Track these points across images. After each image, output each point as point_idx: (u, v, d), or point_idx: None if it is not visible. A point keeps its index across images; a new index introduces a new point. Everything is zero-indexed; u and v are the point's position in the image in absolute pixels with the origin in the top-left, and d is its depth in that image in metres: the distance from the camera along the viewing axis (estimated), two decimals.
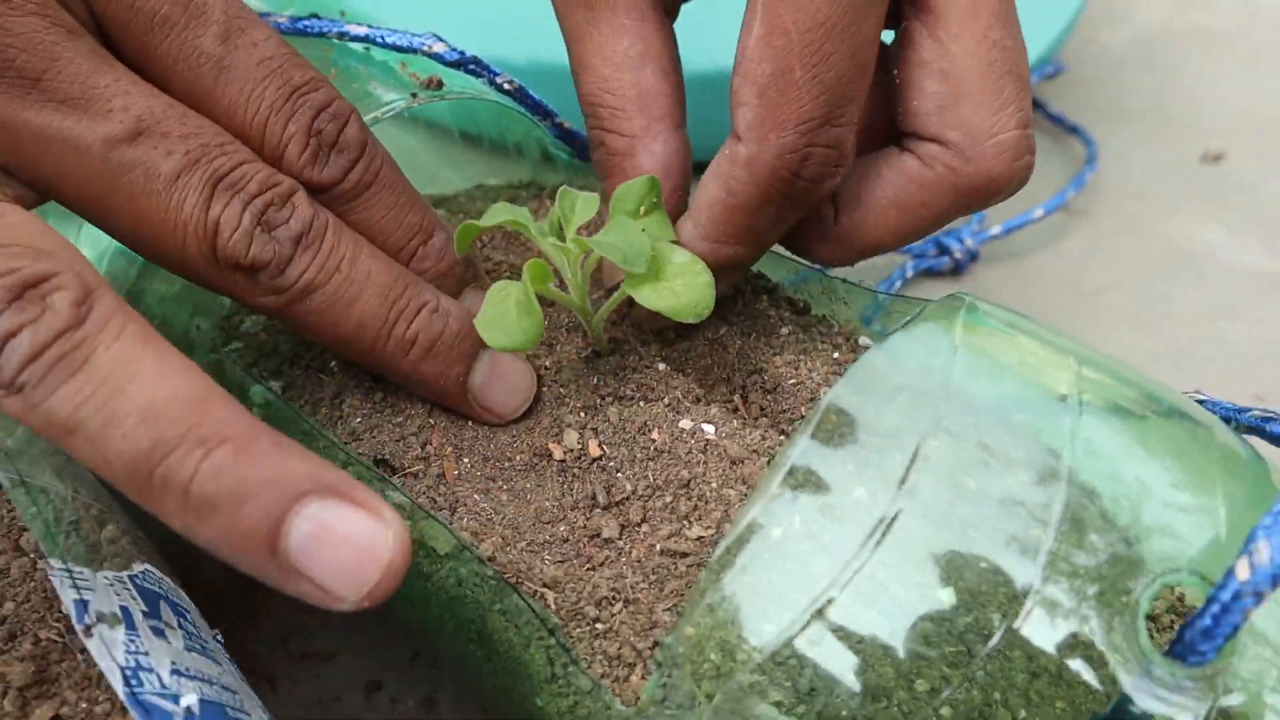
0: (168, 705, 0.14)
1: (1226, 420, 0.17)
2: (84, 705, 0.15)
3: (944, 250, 0.39)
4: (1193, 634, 0.13)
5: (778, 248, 0.24)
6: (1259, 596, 0.13)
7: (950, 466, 0.16)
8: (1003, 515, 0.16)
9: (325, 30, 0.25)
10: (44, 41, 0.18)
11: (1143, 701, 0.14)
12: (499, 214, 0.21)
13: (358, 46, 0.25)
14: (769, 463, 0.19)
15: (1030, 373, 0.17)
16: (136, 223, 0.18)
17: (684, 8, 0.25)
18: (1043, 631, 0.15)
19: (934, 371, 0.18)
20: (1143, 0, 0.65)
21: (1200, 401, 0.18)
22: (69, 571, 0.16)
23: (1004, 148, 0.21)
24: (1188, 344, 0.37)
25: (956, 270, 0.39)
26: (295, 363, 0.23)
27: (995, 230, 0.40)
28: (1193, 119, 0.52)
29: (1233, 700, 0.14)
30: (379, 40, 0.25)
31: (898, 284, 0.37)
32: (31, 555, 0.18)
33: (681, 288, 0.20)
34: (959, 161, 0.21)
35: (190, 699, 0.14)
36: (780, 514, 0.17)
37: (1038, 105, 0.50)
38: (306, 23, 0.25)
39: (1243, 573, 0.13)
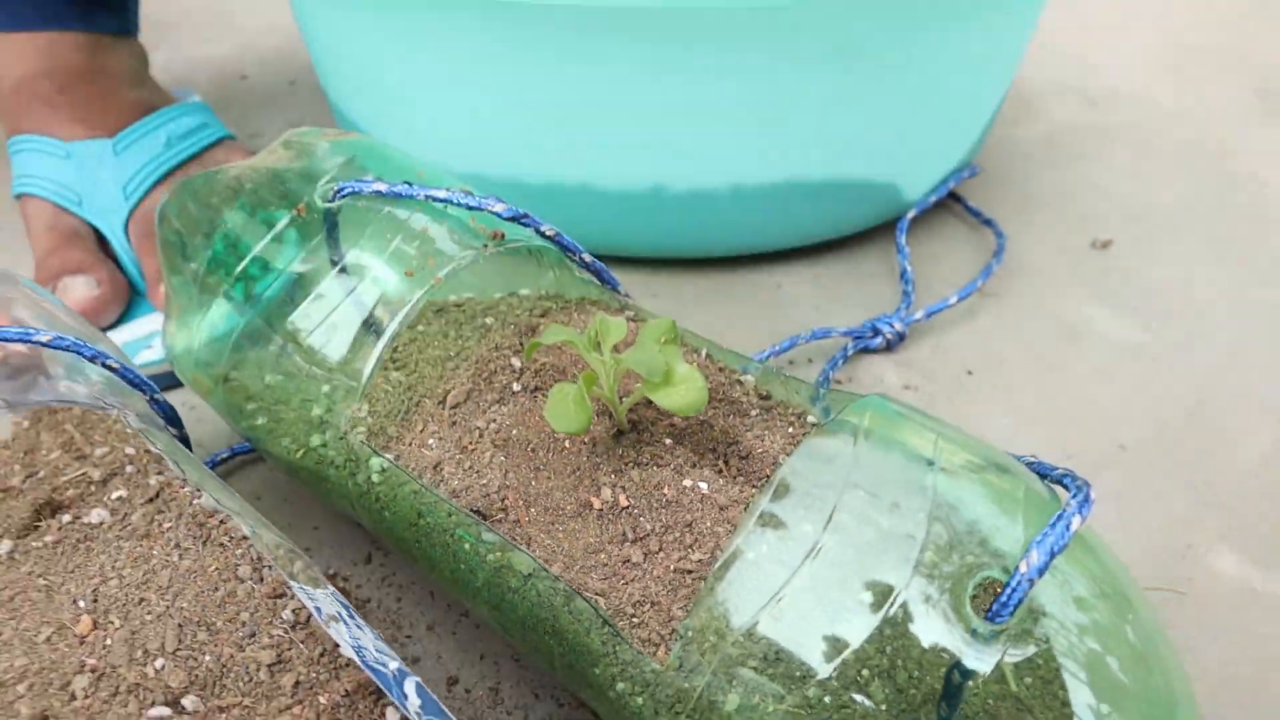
0: (384, 669, 0.23)
1: (1041, 475, 0.27)
2: (312, 674, 0.24)
3: (878, 332, 0.48)
4: (997, 604, 0.22)
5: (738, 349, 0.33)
6: (1032, 582, 0.22)
7: (859, 510, 0.25)
8: (890, 539, 0.25)
9: (415, 194, 0.34)
10: None
11: (967, 657, 0.23)
12: (558, 334, 0.30)
13: (439, 206, 0.34)
14: (745, 509, 0.29)
15: (909, 446, 0.27)
16: None
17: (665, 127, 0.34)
18: (915, 609, 0.24)
19: (849, 448, 0.27)
20: (1054, 99, 0.76)
21: (1029, 463, 0.28)
22: (303, 589, 0.24)
23: None
24: (1065, 404, 0.47)
25: (889, 347, 0.49)
26: (400, 440, 0.32)
27: (919, 315, 0.49)
28: (1088, 209, 0.62)
29: (1027, 651, 0.23)
30: (454, 201, 0.34)
31: (840, 361, 0.47)
32: (249, 581, 0.27)
33: (684, 392, 0.29)
34: None
35: (394, 664, 0.23)
36: (754, 543, 0.26)
37: (957, 200, 0.60)
38: (400, 188, 0.34)
39: (1024, 568, 0.22)
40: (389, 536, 0.33)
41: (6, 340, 0.31)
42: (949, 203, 0.60)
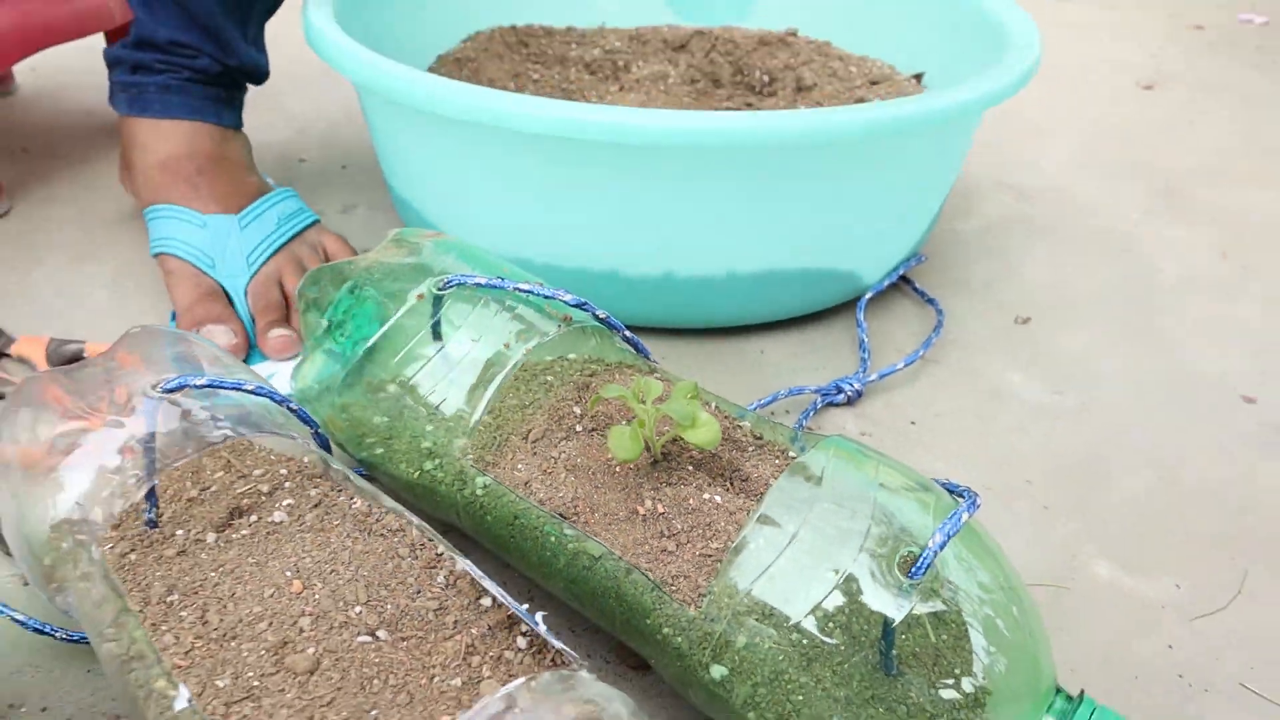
0: (519, 607, 0.35)
1: (949, 490, 0.40)
2: (464, 616, 0.36)
3: (841, 390, 0.61)
4: (914, 569, 0.35)
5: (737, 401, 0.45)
6: (936, 553, 0.35)
7: (824, 514, 0.38)
8: (845, 533, 0.38)
9: (505, 286, 0.47)
10: None
11: (894, 607, 0.36)
12: (614, 390, 0.43)
13: (523, 295, 0.47)
14: (748, 514, 0.41)
15: (860, 471, 0.39)
16: None
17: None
18: (860, 578, 0.37)
19: (820, 473, 0.40)
20: (989, 196, 0.91)
21: (941, 483, 0.41)
22: (457, 555, 0.36)
23: None
24: (987, 449, 0.60)
25: (849, 403, 0.62)
26: (496, 465, 0.45)
27: (874, 377, 0.63)
28: (1014, 291, 0.76)
29: (936, 606, 0.36)
30: (535, 292, 0.47)
31: (811, 412, 0.60)
32: (408, 558, 0.39)
33: (705, 432, 0.41)
34: None
35: (524, 606, 0.35)
36: (753, 536, 0.39)
37: (907, 282, 0.74)
38: (495, 281, 0.47)
39: (931, 543, 0.35)
40: (487, 535, 0.45)
41: (223, 388, 0.43)
42: (900, 285, 0.74)
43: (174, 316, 0.66)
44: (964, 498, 0.38)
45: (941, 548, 0.35)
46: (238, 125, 0.73)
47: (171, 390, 0.42)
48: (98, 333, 0.66)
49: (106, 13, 0.83)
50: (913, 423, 0.61)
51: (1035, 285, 0.77)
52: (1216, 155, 1.02)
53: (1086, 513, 0.56)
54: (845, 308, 0.71)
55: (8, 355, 0.64)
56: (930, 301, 0.72)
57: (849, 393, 0.61)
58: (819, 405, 0.61)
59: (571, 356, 0.52)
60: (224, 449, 0.49)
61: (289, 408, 0.44)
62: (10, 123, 0.97)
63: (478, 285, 0.47)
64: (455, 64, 0.85)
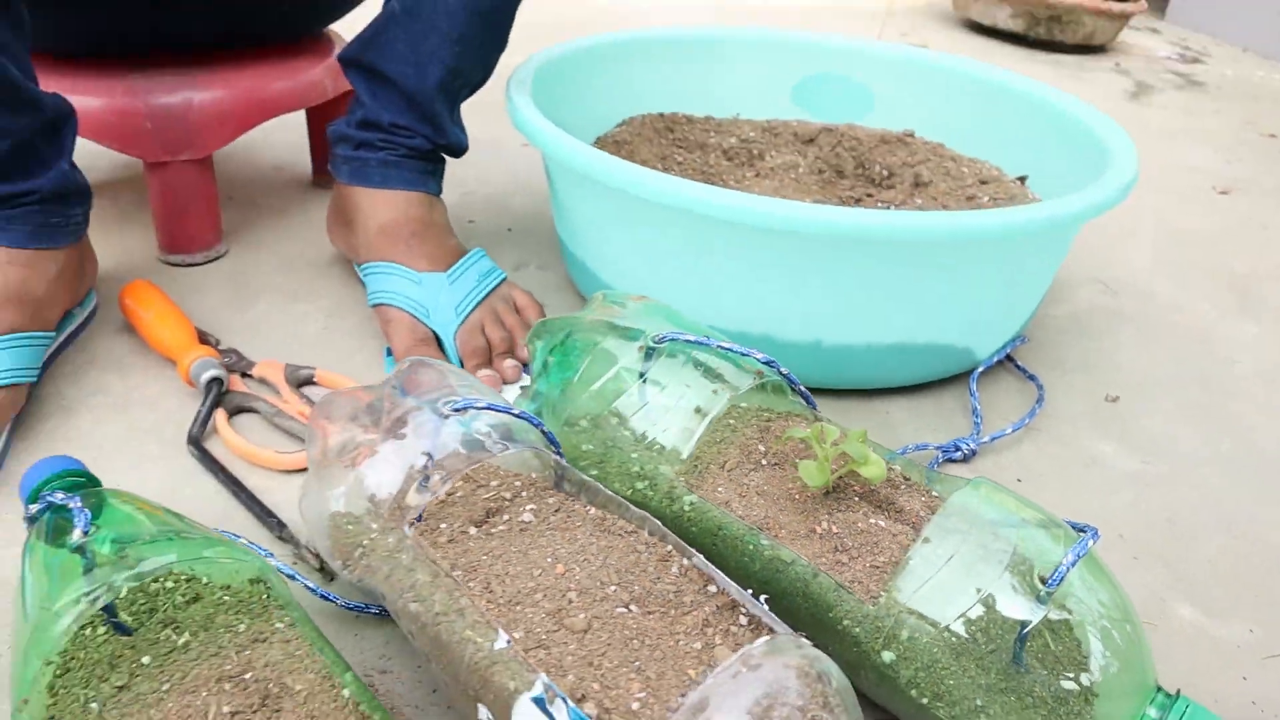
0: (744, 590, 0.46)
1: (1074, 527, 0.50)
2: (697, 598, 0.47)
3: (958, 448, 0.72)
4: (1051, 579, 0.45)
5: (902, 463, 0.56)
6: (1069, 568, 0.45)
7: (976, 539, 0.49)
8: (992, 554, 0.48)
9: (710, 344, 0.58)
10: None
11: (1030, 614, 0.46)
12: (799, 432, 0.54)
13: (724, 351, 0.59)
14: (909, 537, 0.52)
15: (1004, 508, 0.50)
16: None
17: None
18: (1003, 590, 0.47)
19: (973, 507, 0.50)
20: (1077, 286, 1.01)
21: (1071, 524, 0.51)
22: (689, 551, 0.48)
23: None
24: (1084, 506, 0.70)
25: (965, 460, 0.72)
26: (699, 488, 0.56)
27: (986, 439, 0.73)
28: (1103, 373, 0.86)
29: (1063, 615, 0.46)
30: (734, 350, 0.58)
31: (934, 466, 0.70)
32: (645, 552, 0.50)
33: (874, 469, 0.52)
34: None
35: (749, 591, 0.46)
36: (919, 554, 0.49)
37: (1011, 360, 0.84)
38: (702, 339, 0.58)
39: (1064, 561, 0.45)
40: (692, 543, 0.56)
41: (494, 410, 0.54)
42: (1004, 362, 0.85)
43: (388, 354, 0.78)
44: (1086, 531, 0.49)
45: (1073, 565, 0.45)
46: (440, 193, 0.86)
47: (459, 410, 0.54)
48: (317, 361, 0.79)
49: (322, 88, 0.97)
50: (1019, 480, 0.71)
51: (1122, 368, 0.87)
52: None
53: (1171, 564, 0.65)
54: (958, 379, 0.82)
55: (250, 376, 0.77)
56: (1031, 378, 0.82)
57: (965, 451, 0.71)
58: (940, 460, 0.71)
59: (744, 405, 0.64)
60: (464, 463, 0.60)
61: (542, 430, 0.56)
62: (227, 187, 1.11)
63: (688, 342, 0.58)
64: (614, 145, 0.97)
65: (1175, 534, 0.68)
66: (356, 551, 0.54)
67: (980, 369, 0.80)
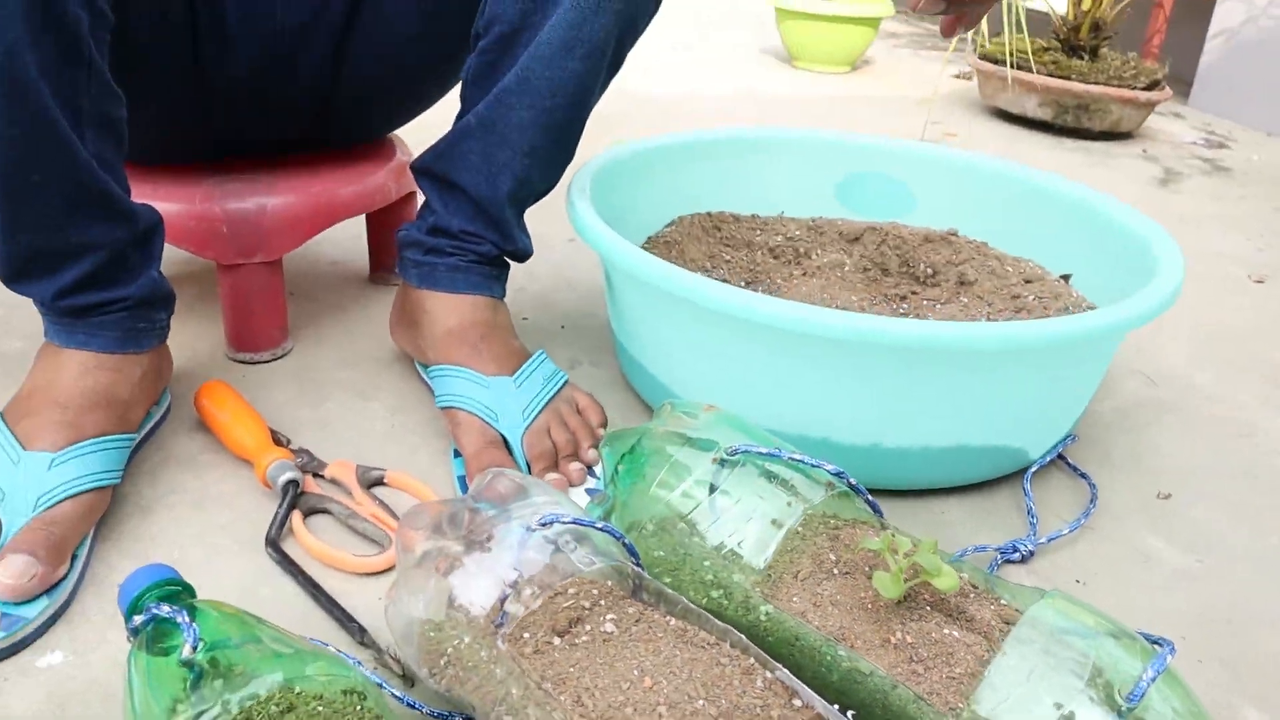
0: (822, 701, 0.47)
1: (1147, 639, 0.51)
2: (781, 712, 0.49)
3: (1016, 549, 0.73)
4: (1133, 695, 0.47)
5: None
6: (1150, 683, 0.46)
7: (1052, 651, 0.50)
8: (1072, 669, 0.50)
9: (781, 455, 0.60)
10: None
11: None
12: (872, 542, 0.56)
13: (795, 463, 0.61)
14: (985, 647, 0.53)
15: (1080, 622, 0.51)
16: None
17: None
18: (1085, 705, 0.48)
19: (1045, 618, 0.52)
20: (1122, 380, 1.03)
21: (1145, 635, 0.52)
22: (772, 664, 0.49)
23: None
24: (1143, 607, 0.71)
25: (1023, 560, 0.73)
26: (774, 597, 0.57)
27: (1043, 540, 0.74)
28: (1152, 468, 0.87)
29: None
30: (805, 461, 0.60)
31: (995, 567, 0.71)
32: (729, 664, 0.52)
33: (947, 580, 0.54)
34: None
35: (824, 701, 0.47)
36: (997, 666, 0.51)
37: (1063, 459, 0.86)
38: (774, 451, 0.61)
39: (1144, 677, 0.47)
40: (769, 652, 0.57)
41: (580, 524, 0.56)
42: (1056, 461, 0.86)
43: (455, 454, 0.80)
44: (1162, 644, 0.50)
45: (1153, 680, 0.47)
46: (504, 296, 0.89)
47: (546, 524, 0.56)
48: (384, 458, 0.81)
49: (386, 191, 1.01)
50: (1079, 581, 0.73)
51: (1168, 462, 0.88)
52: None
53: (1233, 666, 0.66)
54: (1009, 480, 0.84)
55: (322, 476, 0.79)
56: (1083, 476, 0.84)
57: (1023, 552, 0.73)
58: (999, 562, 0.72)
59: (812, 512, 0.65)
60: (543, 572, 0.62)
61: (623, 542, 0.58)
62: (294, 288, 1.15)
63: (760, 454, 0.61)
64: (664, 245, 1.01)
65: (1234, 633, 0.69)
66: (442, 660, 0.56)
67: (1034, 469, 0.81)
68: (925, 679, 0.52)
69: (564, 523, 0.56)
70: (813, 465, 0.60)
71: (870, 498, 0.62)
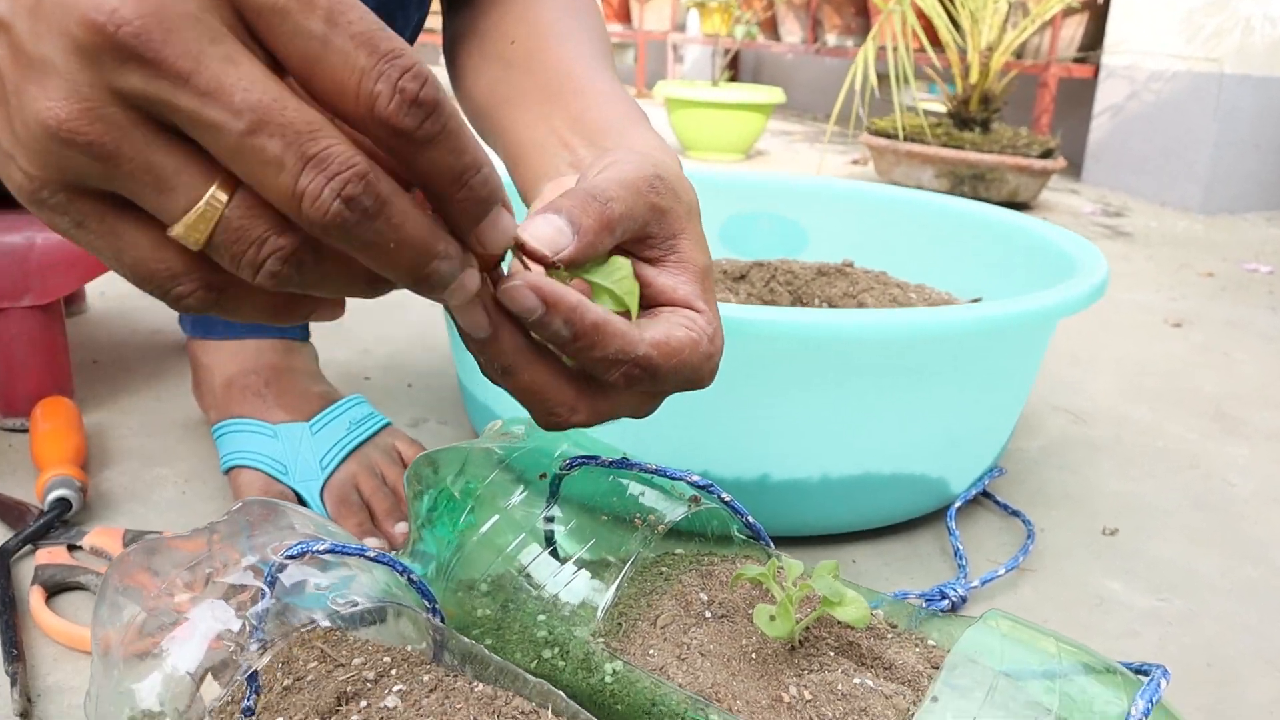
0: None
1: (1133, 670, 0.37)
2: None
3: (945, 595, 0.59)
4: None
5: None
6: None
7: (1001, 692, 0.36)
8: (1026, 713, 0.35)
9: (635, 466, 0.46)
10: (194, 50, 0.25)
11: None
12: (753, 571, 0.41)
13: (649, 475, 0.46)
14: (908, 699, 0.38)
15: (1034, 646, 0.37)
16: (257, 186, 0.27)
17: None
18: None
19: (985, 648, 0.38)
20: (1048, 418, 0.91)
21: (1125, 664, 0.38)
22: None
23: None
24: (1112, 654, 0.57)
25: (953, 609, 0.59)
26: (625, 651, 0.42)
27: (975, 583, 0.61)
28: (1091, 504, 0.75)
29: None
30: (664, 472, 0.46)
31: (920, 617, 0.57)
32: None
33: (855, 609, 0.39)
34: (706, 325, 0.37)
35: None
36: (929, 713, 0.36)
37: (989, 496, 0.73)
38: (621, 461, 0.46)
39: (1134, 711, 0.33)
40: None
41: (346, 553, 0.41)
42: (980, 499, 0.73)
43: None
44: (1153, 671, 0.36)
45: (1147, 714, 0.33)
46: (304, 337, 0.74)
47: (293, 556, 0.40)
48: (165, 529, 0.64)
49: None
50: None
51: (1111, 498, 0.76)
52: (1258, 383, 1.04)
53: (1223, 715, 0.52)
54: (928, 521, 0.70)
55: (79, 547, 0.62)
56: (1015, 513, 0.71)
57: (953, 598, 0.59)
58: (924, 612, 0.58)
59: (679, 551, 0.51)
60: (316, 638, 0.46)
61: (410, 578, 0.42)
62: (82, 338, 0.99)
63: (603, 465, 0.46)
64: None
65: (1219, 679, 0.55)
66: None
67: (957, 503, 0.68)
68: None
69: (316, 552, 0.40)
70: (673, 478, 0.46)
71: (751, 519, 0.48)
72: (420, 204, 0.29)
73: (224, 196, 0.27)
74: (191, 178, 0.27)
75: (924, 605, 0.58)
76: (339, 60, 0.26)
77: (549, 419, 0.36)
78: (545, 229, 0.33)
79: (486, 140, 0.64)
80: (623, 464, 0.46)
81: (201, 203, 0.27)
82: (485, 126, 0.59)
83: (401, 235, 0.28)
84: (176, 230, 0.27)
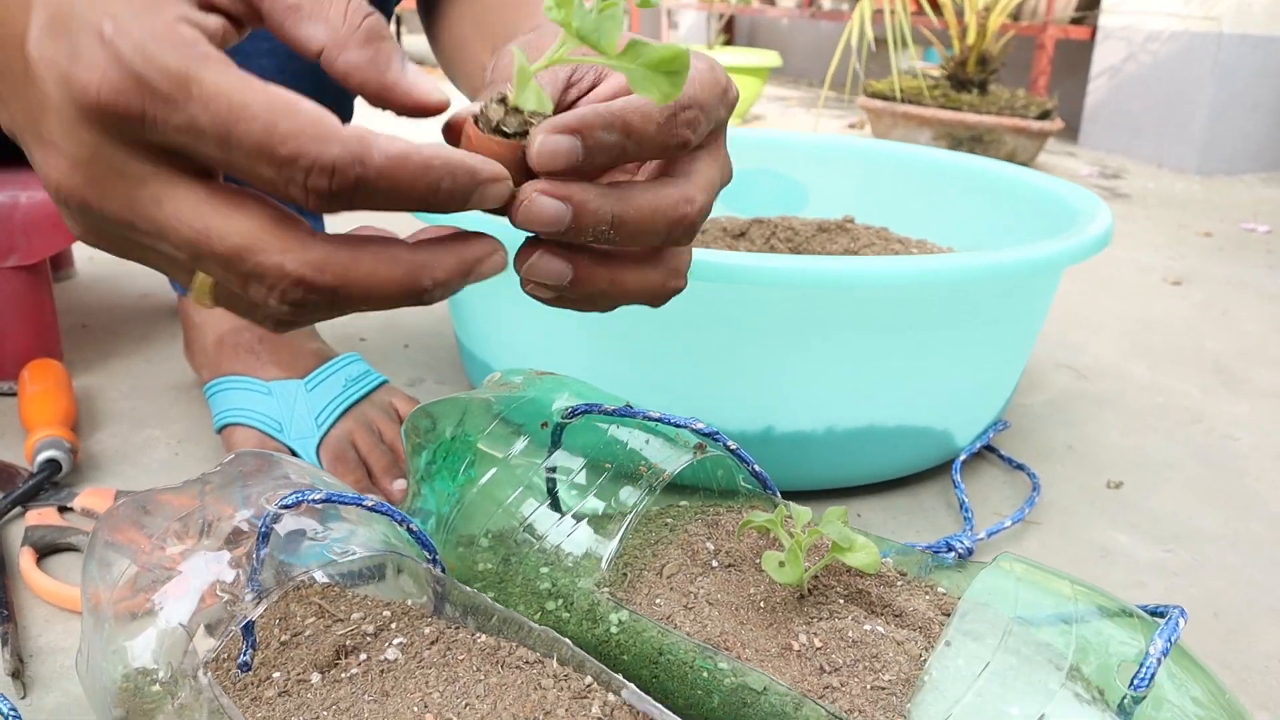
0: None
1: (1150, 612, 0.37)
2: None
3: (951, 548, 0.58)
4: (1138, 677, 0.32)
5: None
6: (1160, 660, 0.32)
7: (1015, 636, 0.35)
8: (1042, 656, 0.34)
9: (635, 415, 0.45)
10: (127, 200, 0.29)
11: None
12: (760, 519, 0.40)
13: (653, 424, 0.45)
14: (921, 645, 0.38)
15: (1049, 589, 0.36)
16: None
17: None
18: (1071, 705, 0.33)
19: (999, 591, 0.37)
20: (1051, 375, 0.90)
21: (1145, 608, 0.38)
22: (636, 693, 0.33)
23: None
24: None
25: (960, 560, 0.59)
26: (630, 601, 0.41)
27: (982, 535, 0.60)
28: (1094, 458, 0.74)
29: None
30: (667, 420, 0.45)
31: (928, 569, 0.56)
32: (553, 690, 0.35)
33: (865, 555, 0.39)
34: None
35: None
36: (939, 666, 0.35)
37: (993, 450, 0.72)
38: (624, 409, 0.45)
39: (1154, 650, 0.32)
40: (626, 675, 0.41)
41: (342, 502, 0.40)
42: (984, 453, 0.72)
43: None
44: (1171, 611, 0.35)
45: (1165, 655, 0.32)
46: None
47: (287, 506, 0.39)
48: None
49: None
50: None
51: (1115, 452, 0.75)
52: (1257, 340, 1.04)
53: (1230, 665, 0.52)
54: (934, 474, 0.69)
55: (69, 509, 0.61)
56: (1020, 467, 0.70)
57: (959, 550, 0.58)
58: (930, 565, 0.57)
59: (684, 503, 0.50)
60: (313, 593, 0.45)
61: (410, 529, 0.41)
62: (71, 303, 0.97)
63: (605, 413, 0.45)
64: None
65: (1226, 629, 0.55)
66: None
67: (962, 457, 0.67)
68: (842, 693, 0.37)
69: (312, 501, 0.39)
70: (677, 425, 0.45)
71: (757, 467, 0.47)
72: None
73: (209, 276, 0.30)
74: (183, 265, 0.30)
75: (929, 558, 0.57)
76: (250, 177, 0.28)
77: (675, 286, 0.37)
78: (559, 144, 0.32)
79: (458, 83, 0.68)
80: (625, 412, 0.45)
81: (196, 279, 0.31)
82: (455, 73, 0.65)
83: (369, 292, 0.30)
84: (191, 296, 0.32)
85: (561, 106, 0.37)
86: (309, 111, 0.27)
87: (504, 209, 0.32)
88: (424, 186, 0.28)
